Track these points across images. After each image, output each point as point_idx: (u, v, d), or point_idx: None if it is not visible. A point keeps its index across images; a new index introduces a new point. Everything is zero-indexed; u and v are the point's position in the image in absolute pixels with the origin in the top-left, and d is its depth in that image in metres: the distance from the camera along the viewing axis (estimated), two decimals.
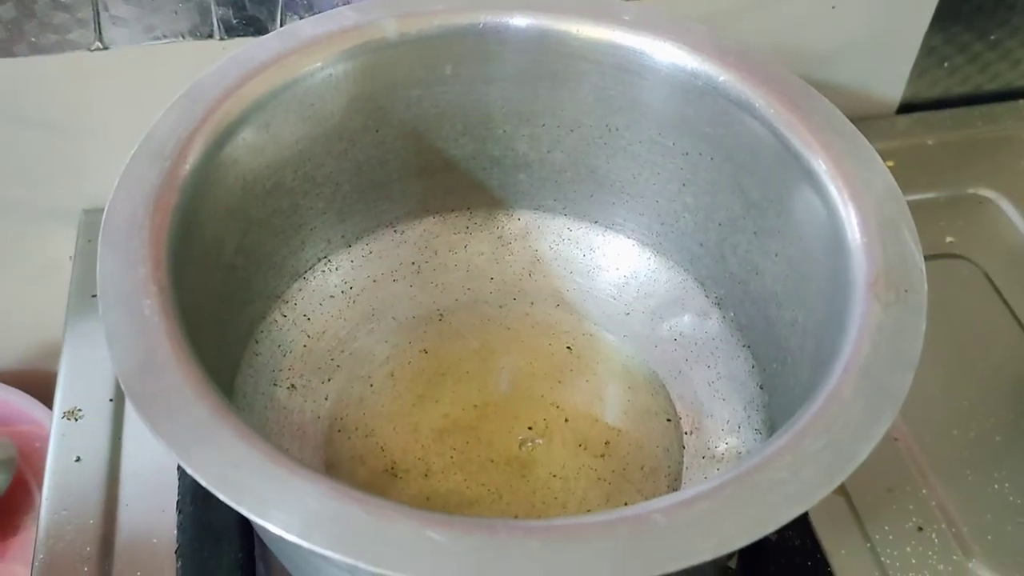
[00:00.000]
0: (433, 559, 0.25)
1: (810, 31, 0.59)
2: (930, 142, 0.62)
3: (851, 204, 0.34)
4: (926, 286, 0.32)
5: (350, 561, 0.25)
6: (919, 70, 0.63)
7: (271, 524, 0.25)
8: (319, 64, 0.39)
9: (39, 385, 0.62)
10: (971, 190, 0.59)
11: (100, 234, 0.32)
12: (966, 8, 0.60)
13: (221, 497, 0.26)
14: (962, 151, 0.62)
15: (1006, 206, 0.58)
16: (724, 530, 0.26)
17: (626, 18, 0.41)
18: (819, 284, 0.36)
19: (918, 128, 0.64)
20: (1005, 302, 0.53)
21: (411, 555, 0.25)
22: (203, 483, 0.26)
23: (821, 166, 0.36)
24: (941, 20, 0.60)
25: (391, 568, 0.25)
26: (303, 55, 0.39)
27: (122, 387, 0.28)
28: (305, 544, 0.25)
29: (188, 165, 0.34)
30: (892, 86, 0.63)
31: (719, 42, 0.40)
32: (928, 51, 0.62)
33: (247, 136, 0.38)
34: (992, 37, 0.62)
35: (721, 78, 0.39)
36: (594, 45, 0.42)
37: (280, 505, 0.26)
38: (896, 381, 0.29)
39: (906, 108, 0.65)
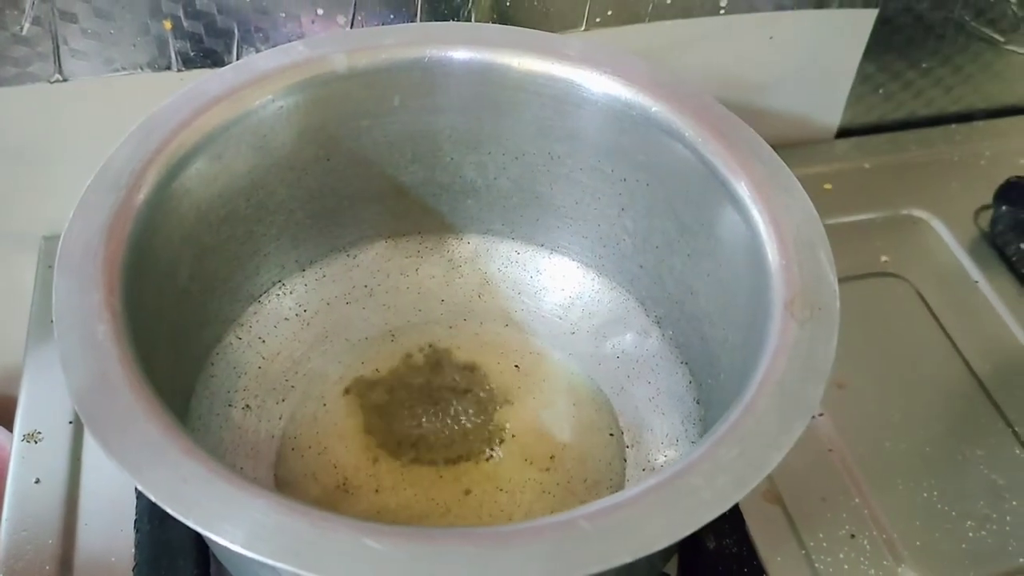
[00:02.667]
0: (372, 566, 0.26)
1: (750, 62, 0.61)
2: (867, 165, 0.65)
3: (771, 227, 0.36)
4: (839, 304, 0.34)
5: (292, 569, 0.26)
6: (856, 97, 0.65)
7: (218, 536, 0.27)
8: (270, 96, 0.41)
9: None
10: (905, 211, 0.62)
11: (56, 261, 0.33)
12: (897, 38, 0.62)
13: (171, 511, 0.27)
14: (897, 174, 0.65)
15: (938, 226, 0.61)
16: (644, 534, 0.28)
17: (567, 52, 0.44)
18: (744, 303, 0.38)
19: (855, 152, 0.66)
20: (936, 319, 0.56)
21: (350, 562, 0.26)
22: (153, 499, 0.27)
23: (745, 192, 0.38)
24: (874, 50, 0.63)
25: (331, 575, 0.26)
26: (254, 89, 0.41)
27: (76, 409, 0.29)
28: (249, 554, 0.26)
29: (142, 195, 0.36)
30: (830, 112, 0.66)
31: (653, 74, 0.43)
32: (863, 79, 0.64)
33: (200, 166, 0.39)
34: (924, 65, 0.65)
35: (653, 108, 0.42)
36: (534, 77, 0.44)
37: (227, 518, 0.27)
38: (808, 393, 0.31)
39: (844, 133, 0.67)
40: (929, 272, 0.58)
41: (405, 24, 0.50)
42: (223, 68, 0.42)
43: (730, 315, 0.40)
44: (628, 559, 0.27)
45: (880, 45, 0.62)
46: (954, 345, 0.54)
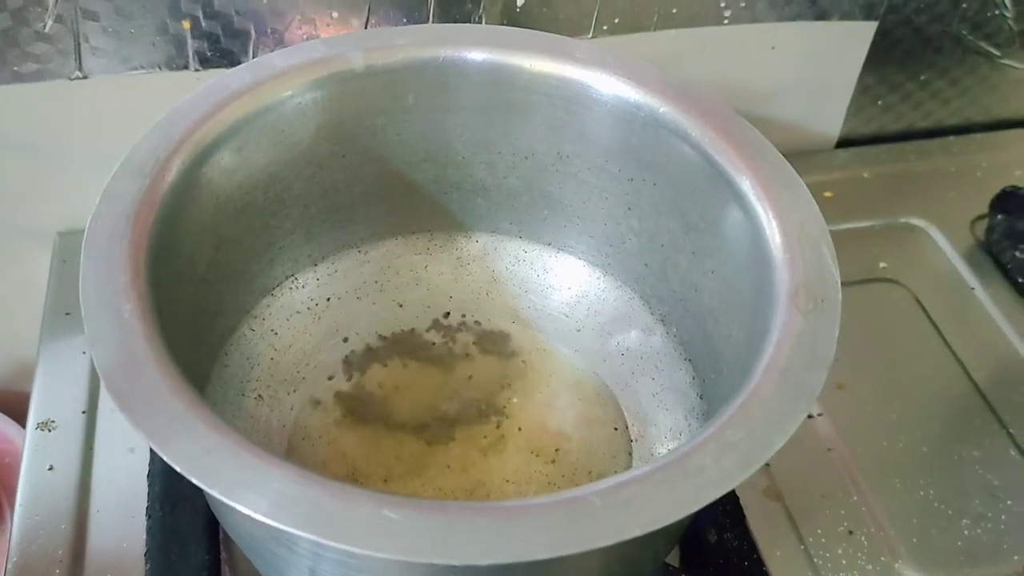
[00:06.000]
0: (390, 535, 0.27)
1: (752, 71, 0.63)
2: (866, 175, 0.66)
3: (775, 223, 0.38)
4: (840, 295, 0.35)
5: (313, 538, 0.27)
6: (855, 108, 0.67)
7: (240, 505, 0.28)
8: (289, 93, 0.42)
9: (8, 403, 0.64)
10: (904, 219, 0.63)
11: (83, 243, 0.34)
12: (897, 51, 0.64)
13: (195, 481, 0.28)
14: (896, 183, 0.66)
15: (935, 234, 0.62)
16: (653, 510, 0.29)
17: (578, 55, 0.45)
18: (748, 298, 0.39)
19: (855, 162, 0.67)
20: (933, 323, 0.57)
21: (370, 531, 0.27)
22: (178, 469, 0.28)
23: (749, 189, 0.39)
24: (874, 62, 0.64)
25: (351, 543, 0.27)
26: (275, 84, 0.42)
27: (103, 384, 0.30)
28: (272, 523, 0.27)
29: (167, 183, 0.37)
30: (830, 123, 0.68)
31: (660, 77, 0.44)
32: (863, 90, 0.66)
33: (222, 158, 0.40)
34: (922, 78, 0.66)
35: (661, 109, 0.43)
36: (545, 79, 0.45)
37: (249, 488, 0.28)
38: (811, 379, 0.32)
39: (844, 143, 0.69)
40: (926, 278, 0.60)
41: (420, 25, 0.51)
42: (243, 65, 0.43)
43: (734, 310, 0.41)
44: (638, 533, 0.28)
45: (879, 57, 0.64)
46: (951, 349, 0.55)
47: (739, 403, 0.32)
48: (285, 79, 0.42)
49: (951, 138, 0.70)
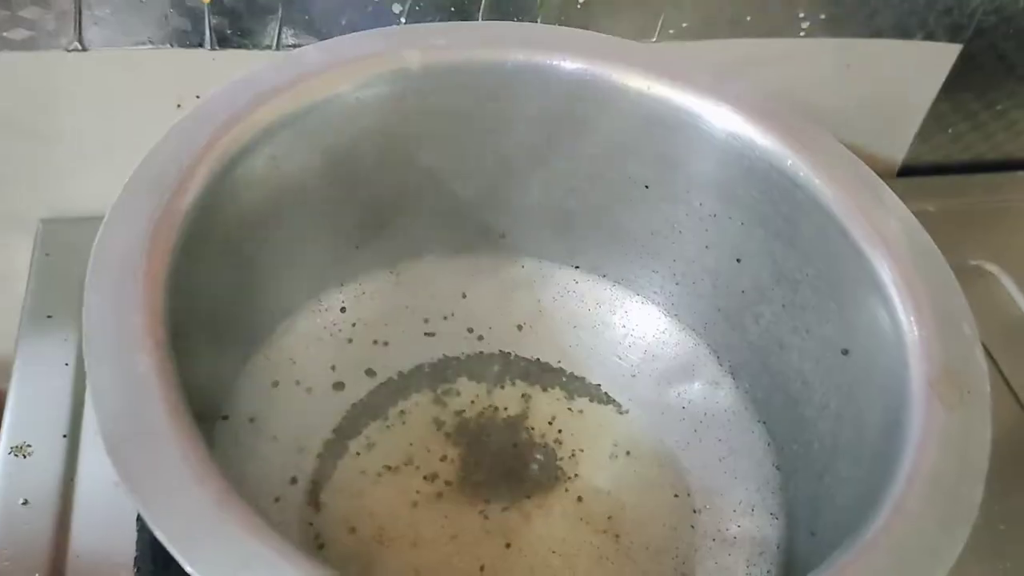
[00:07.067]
0: None
1: (822, 88, 0.57)
2: (931, 208, 0.61)
3: (906, 293, 0.32)
4: (989, 388, 0.30)
5: None
6: (923, 135, 0.62)
7: None
8: (335, 92, 0.36)
9: None
10: (972, 261, 0.58)
11: (88, 274, 0.28)
12: (977, 77, 0.59)
13: None
14: (963, 220, 0.61)
15: (1006, 280, 0.58)
16: None
17: (669, 68, 0.39)
18: (865, 373, 0.34)
19: (918, 194, 0.62)
20: (1004, 379, 0.52)
21: None
22: None
23: (874, 250, 0.33)
24: (951, 87, 0.59)
25: None
26: (318, 82, 0.36)
27: (110, 460, 0.24)
28: None
29: (189, 198, 0.31)
30: (894, 148, 0.62)
31: (759, 101, 0.38)
32: (935, 117, 0.61)
33: (254, 166, 0.34)
34: (998, 107, 0.61)
35: (761, 142, 0.37)
36: (626, 93, 0.39)
37: None
38: (967, 495, 0.27)
39: (904, 171, 0.64)
40: (995, 326, 0.55)
41: (480, 21, 0.45)
42: (279, 57, 0.37)
43: (836, 380, 0.36)
44: None
45: (957, 83, 0.59)
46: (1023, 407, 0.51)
47: (882, 521, 0.26)
48: (330, 76, 0.36)
49: (1020, 173, 0.65)
